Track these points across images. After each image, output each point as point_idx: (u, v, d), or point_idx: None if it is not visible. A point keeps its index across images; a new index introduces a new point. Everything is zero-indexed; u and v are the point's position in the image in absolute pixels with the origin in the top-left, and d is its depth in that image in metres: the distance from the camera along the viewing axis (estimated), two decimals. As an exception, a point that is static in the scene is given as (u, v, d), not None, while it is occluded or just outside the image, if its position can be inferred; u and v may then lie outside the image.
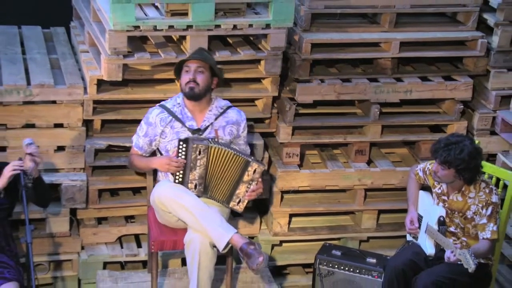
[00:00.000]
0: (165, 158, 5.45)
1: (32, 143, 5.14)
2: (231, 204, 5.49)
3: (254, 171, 5.42)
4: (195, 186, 5.41)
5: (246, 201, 5.50)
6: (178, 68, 5.51)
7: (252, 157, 5.51)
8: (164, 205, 5.36)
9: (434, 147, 5.31)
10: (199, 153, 5.35)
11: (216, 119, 5.54)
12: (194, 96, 5.45)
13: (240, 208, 5.51)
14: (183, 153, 5.36)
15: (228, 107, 5.62)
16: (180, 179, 5.41)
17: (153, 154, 5.66)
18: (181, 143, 5.36)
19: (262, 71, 6.07)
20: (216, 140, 5.47)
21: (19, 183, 5.06)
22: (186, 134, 5.47)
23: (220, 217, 5.32)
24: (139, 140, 5.57)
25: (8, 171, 5.04)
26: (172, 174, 5.42)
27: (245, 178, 5.43)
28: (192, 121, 5.51)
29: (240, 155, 5.41)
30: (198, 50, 5.57)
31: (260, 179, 5.47)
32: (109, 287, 5.79)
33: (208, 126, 5.52)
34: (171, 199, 5.32)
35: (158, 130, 5.50)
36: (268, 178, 6.28)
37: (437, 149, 5.26)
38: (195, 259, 5.26)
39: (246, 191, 5.46)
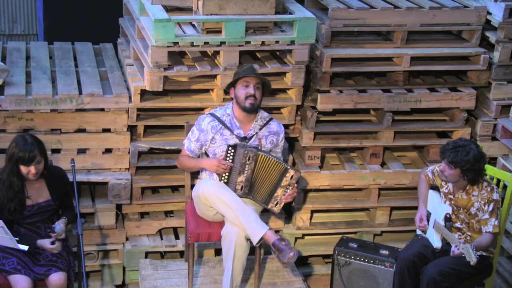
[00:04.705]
0: (214, 160, 5.40)
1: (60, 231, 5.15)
2: (270, 205, 5.46)
3: (291, 177, 5.39)
4: (241, 187, 5.40)
5: (283, 203, 5.48)
6: (234, 81, 5.44)
7: (290, 165, 5.45)
8: (207, 200, 5.34)
9: (443, 148, 5.32)
10: (248, 159, 5.32)
11: (260, 129, 5.51)
12: (253, 109, 5.42)
13: (277, 209, 5.49)
14: (231, 157, 5.34)
15: (270, 119, 5.58)
16: (226, 180, 5.39)
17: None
18: (230, 148, 5.34)
19: (288, 83, 6.05)
20: (259, 147, 5.46)
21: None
22: (234, 141, 5.44)
23: (255, 214, 5.30)
24: (191, 144, 5.52)
25: (49, 248, 5.10)
26: (218, 174, 5.40)
27: (283, 183, 5.40)
28: (240, 129, 5.47)
29: (281, 162, 5.39)
30: (251, 67, 5.49)
31: (296, 185, 5.45)
32: (150, 274, 5.81)
33: (254, 135, 5.48)
34: (214, 195, 5.30)
35: (209, 136, 5.45)
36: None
37: (446, 150, 5.26)
38: (230, 250, 5.26)
39: (283, 194, 5.43)
